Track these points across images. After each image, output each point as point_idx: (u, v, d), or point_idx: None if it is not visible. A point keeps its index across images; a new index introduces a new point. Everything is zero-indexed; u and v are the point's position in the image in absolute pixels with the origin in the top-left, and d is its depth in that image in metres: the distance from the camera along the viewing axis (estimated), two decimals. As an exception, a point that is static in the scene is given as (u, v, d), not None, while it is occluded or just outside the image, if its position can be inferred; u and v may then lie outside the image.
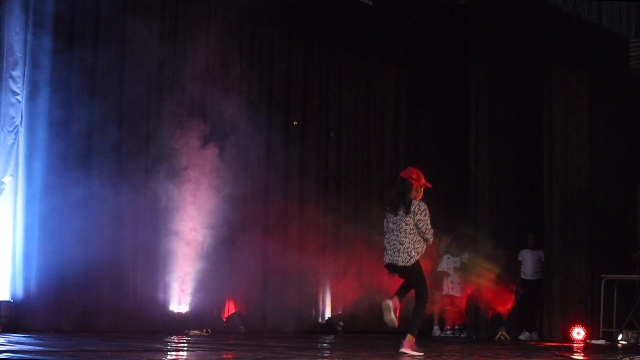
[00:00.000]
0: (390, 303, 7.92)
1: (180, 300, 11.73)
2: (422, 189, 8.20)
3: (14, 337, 8.95)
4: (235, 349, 8.57)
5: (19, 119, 10.48)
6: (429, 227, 8.04)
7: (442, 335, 13.35)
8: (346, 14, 13.63)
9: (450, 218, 12.19)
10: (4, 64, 10.40)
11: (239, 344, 9.50)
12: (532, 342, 12.08)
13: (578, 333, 12.04)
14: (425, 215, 8.01)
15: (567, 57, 12.74)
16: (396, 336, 8.30)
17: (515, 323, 12.83)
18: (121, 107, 11.40)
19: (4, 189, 10.33)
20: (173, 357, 7.21)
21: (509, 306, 12.85)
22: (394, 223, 8.09)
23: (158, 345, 8.58)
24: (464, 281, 13.26)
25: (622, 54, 12.88)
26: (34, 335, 9.26)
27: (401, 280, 8.21)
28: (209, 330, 11.54)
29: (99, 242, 10.79)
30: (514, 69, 13.33)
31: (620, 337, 11.40)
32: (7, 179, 10.37)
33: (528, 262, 13.01)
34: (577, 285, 12.42)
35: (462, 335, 13.22)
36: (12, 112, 10.44)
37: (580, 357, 8.99)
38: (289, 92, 13.42)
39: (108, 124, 11.16)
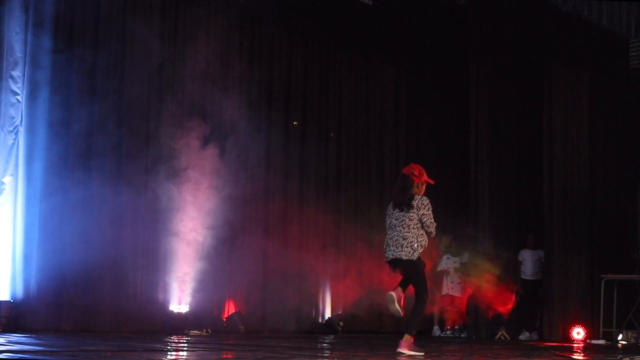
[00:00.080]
0: (394, 294, 7.94)
1: (180, 300, 11.73)
2: (424, 186, 8.22)
3: (14, 337, 8.96)
4: (235, 349, 8.57)
5: (19, 119, 10.49)
6: (433, 221, 8.08)
7: (442, 335, 13.36)
8: (346, 14, 13.63)
9: (450, 218, 12.17)
10: (4, 64, 10.40)
11: (239, 344, 9.50)
12: (532, 342, 12.08)
13: (578, 333, 12.04)
14: (428, 209, 8.05)
15: (567, 57, 12.74)
16: (396, 336, 8.30)
17: (515, 323, 12.82)
18: (121, 107, 11.40)
19: (4, 189, 10.34)
20: (173, 357, 7.21)
21: (510, 306, 12.85)
22: (396, 219, 8.10)
23: (158, 345, 8.58)
24: (464, 281, 13.26)
25: (622, 54, 12.88)
26: (34, 335, 9.26)
27: (401, 278, 8.21)
28: (209, 330, 11.54)
29: (99, 242, 10.79)
30: (514, 69, 13.33)
31: (620, 337, 11.40)
32: (7, 179, 10.37)
33: (528, 262, 13.01)
34: (577, 285, 12.42)
35: (462, 335, 13.22)
36: (12, 112, 10.44)
37: (580, 357, 8.99)
38: (289, 92, 13.42)
39: (108, 124, 11.16)
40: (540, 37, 12.83)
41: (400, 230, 8.04)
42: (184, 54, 12.07)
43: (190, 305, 11.77)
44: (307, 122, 13.59)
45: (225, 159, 12.21)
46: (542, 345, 11.13)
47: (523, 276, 13.01)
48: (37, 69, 10.59)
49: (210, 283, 11.97)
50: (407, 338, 7.97)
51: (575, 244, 12.48)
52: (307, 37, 13.64)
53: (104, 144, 11.08)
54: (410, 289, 8.11)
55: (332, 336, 12.16)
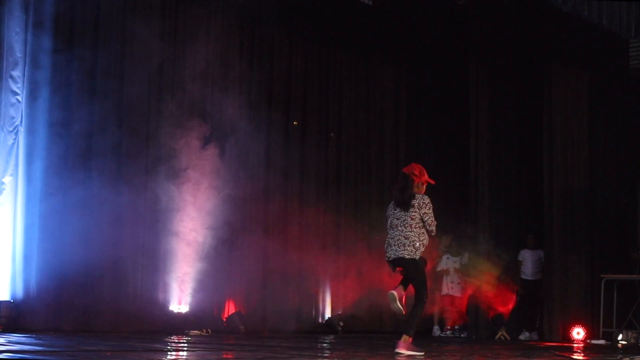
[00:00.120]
0: (395, 293, 7.93)
1: (180, 300, 11.73)
2: (424, 186, 8.22)
3: (14, 337, 8.96)
4: (235, 349, 8.57)
5: (19, 119, 10.49)
6: (434, 220, 8.09)
7: (442, 335, 13.36)
8: (346, 14, 13.63)
9: (450, 218, 12.18)
10: (4, 64, 10.41)
11: (239, 344, 9.50)
12: (532, 342, 12.08)
13: (578, 333, 12.04)
14: (429, 208, 8.06)
15: (567, 57, 12.74)
16: (396, 336, 8.29)
17: (515, 323, 12.82)
18: (121, 107, 11.40)
19: (4, 189, 10.34)
20: (173, 357, 7.21)
21: (510, 306, 12.84)
22: (397, 219, 8.10)
23: (158, 345, 8.58)
24: (464, 281, 13.26)
25: (622, 54, 12.88)
26: (34, 335, 9.26)
27: (401, 277, 8.21)
28: (209, 330, 11.54)
29: (99, 243, 10.79)
30: (514, 69, 13.33)
31: (620, 337, 11.40)
32: (7, 179, 10.38)
33: (528, 262, 13.01)
34: (577, 285, 12.42)
35: (462, 335, 13.22)
36: (12, 112, 10.45)
37: (580, 357, 8.98)
38: (289, 92, 13.42)
39: (108, 124, 11.16)
40: (540, 37, 12.83)
41: (402, 230, 8.04)
42: (184, 54, 12.07)
43: (190, 305, 11.77)
44: (307, 122, 13.59)
45: (225, 159, 12.21)
46: (542, 345, 11.13)
47: (523, 276, 13.02)
48: (37, 69, 10.59)
49: (210, 283, 11.97)
50: (405, 338, 7.96)
51: (575, 244, 12.48)
52: (307, 37, 13.64)
53: (104, 144, 11.09)
54: (411, 288, 8.11)
55: (332, 336, 12.16)
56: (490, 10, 13.08)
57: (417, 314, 8.02)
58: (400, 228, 8.06)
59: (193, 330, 11.30)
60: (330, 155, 13.84)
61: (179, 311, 11.69)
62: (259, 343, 9.68)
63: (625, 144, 12.85)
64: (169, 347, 8.42)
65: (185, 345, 8.92)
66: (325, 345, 9.94)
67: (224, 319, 12.17)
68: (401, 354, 7.86)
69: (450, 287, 13.43)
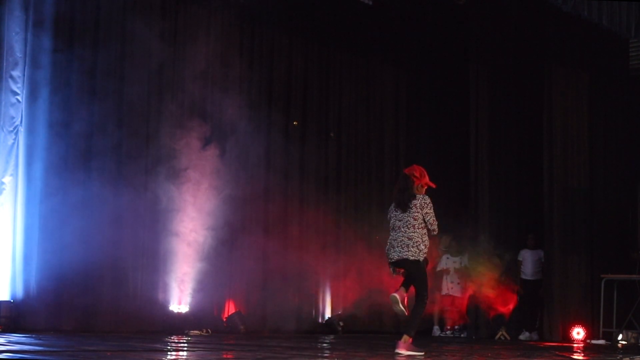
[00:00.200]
0: (397, 295, 7.94)
1: (180, 300, 11.73)
2: (424, 188, 8.22)
3: (14, 337, 8.95)
4: (235, 349, 8.57)
5: (19, 119, 10.48)
6: (435, 219, 8.10)
7: (442, 335, 13.35)
8: (346, 14, 13.62)
9: (450, 218, 12.19)
10: (4, 64, 10.40)
11: (239, 344, 9.50)
12: (532, 342, 12.08)
13: (578, 333, 12.04)
14: (431, 208, 8.08)
15: (567, 57, 12.74)
16: (396, 336, 8.30)
17: (515, 323, 12.83)
18: (121, 107, 11.40)
19: (4, 189, 10.33)
20: (173, 357, 7.21)
21: (511, 307, 12.83)
22: (399, 220, 8.10)
23: (158, 345, 8.58)
24: (464, 281, 13.26)
25: (622, 54, 12.88)
26: (34, 335, 9.26)
27: (402, 279, 8.22)
28: (209, 330, 11.54)
29: (99, 243, 10.79)
30: (514, 69, 13.33)
31: (620, 337, 11.40)
32: (7, 179, 10.37)
33: (528, 262, 13.02)
34: (577, 285, 12.43)
35: (462, 335, 13.22)
36: (12, 112, 10.44)
37: (580, 357, 8.99)
38: (289, 92, 13.41)
39: (108, 124, 11.16)
40: (540, 37, 12.83)
41: (405, 231, 8.04)
42: (184, 54, 12.07)
43: (190, 305, 11.77)
44: (307, 122, 13.59)
45: (225, 159, 12.21)
46: (542, 345, 11.13)
47: (523, 276, 13.02)
48: (37, 69, 10.59)
49: (210, 283, 11.97)
50: (405, 339, 7.96)
51: (575, 244, 12.48)
52: (307, 37, 13.64)
53: (104, 144, 11.08)
54: (412, 289, 8.12)
55: (332, 336, 12.15)
56: (490, 10, 13.08)
57: (418, 314, 8.03)
58: (403, 229, 8.06)
59: (193, 330, 11.30)
60: (330, 155, 13.83)
61: (179, 311, 11.68)
62: (259, 343, 9.67)
63: (625, 144, 12.85)
64: (169, 347, 8.42)
65: (185, 345, 8.92)
66: (325, 345, 9.94)
67: (224, 319, 12.17)
68: (401, 354, 7.86)
69: (450, 287, 13.43)
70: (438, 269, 13.45)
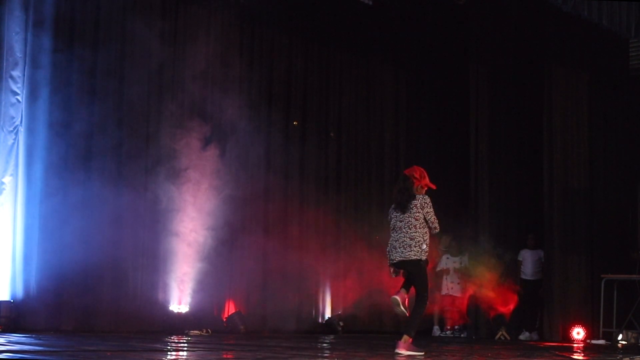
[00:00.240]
0: (398, 298, 7.95)
1: (180, 300, 11.73)
2: (424, 190, 8.22)
3: (14, 337, 8.95)
4: (235, 349, 8.57)
5: (19, 119, 10.48)
6: (436, 218, 8.13)
7: (442, 335, 13.35)
8: (346, 14, 13.62)
9: (450, 218, 12.20)
10: (4, 64, 10.40)
11: (239, 344, 9.50)
12: (532, 342, 12.08)
13: (578, 333, 12.04)
14: (431, 207, 8.11)
15: (567, 57, 12.74)
16: (396, 336, 8.30)
17: (515, 323, 12.82)
18: (121, 107, 11.40)
19: (4, 189, 10.33)
20: (173, 357, 7.21)
21: (512, 307, 12.82)
22: (400, 221, 8.10)
23: (158, 345, 8.58)
24: (464, 281, 13.25)
25: (622, 54, 12.88)
26: (34, 335, 9.26)
27: (403, 280, 8.23)
28: (209, 330, 11.54)
29: (99, 243, 10.79)
30: (514, 69, 13.33)
31: (620, 337, 11.40)
32: (7, 179, 10.37)
33: (528, 262, 13.02)
34: (577, 285, 12.43)
35: (462, 335, 13.22)
36: (12, 112, 10.44)
37: (580, 357, 8.99)
38: (289, 92, 13.41)
39: (108, 124, 11.16)
40: (540, 37, 12.83)
41: (407, 231, 8.05)
42: (184, 54, 12.07)
43: (190, 305, 11.77)
44: (307, 122, 13.59)
45: (225, 159, 12.21)
46: (542, 345, 11.13)
47: (523, 276, 13.02)
48: (37, 69, 10.59)
49: (210, 283, 11.97)
50: (405, 339, 7.96)
51: (575, 244, 12.48)
52: (307, 37, 13.64)
53: (104, 144, 11.08)
54: (413, 289, 8.12)
55: (332, 336, 12.15)
56: (490, 10, 13.08)
57: (419, 314, 8.04)
58: (404, 230, 8.07)
59: (193, 330, 11.30)
60: (330, 155, 13.83)
61: (179, 311, 11.68)
62: (259, 343, 9.68)
63: (625, 144, 12.85)
64: (169, 347, 8.42)
65: (185, 345, 8.92)
66: (325, 345, 9.94)
67: (224, 319, 12.17)
68: (401, 354, 7.86)
69: (450, 287, 13.43)
70: (438, 269, 13.45)
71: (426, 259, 8.15)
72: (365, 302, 13.06)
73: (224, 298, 12.36)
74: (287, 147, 13.14)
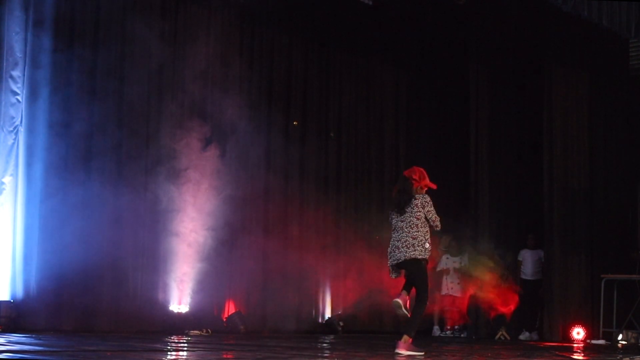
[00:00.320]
0: (399, 300, 7.97)
1: (180, 300, 11.72)
2: (424, 190, 8.23)
3: (14, 337, 8.95)
4: (235, 349, 8.57)
5: (19, 119, 10.48)
6: (437, 216, 8.15)
7: (442, 335, 13.35)
8: (346, 14, 13.62)
9: (450, 218, 12.20)
10: (4, 64, 10.39)
11: (239, 344, 9.50)
12: (532, 342, 12.08)
13: (578, 333, 12.04)
14: (432, 206, 8.14)
15: (567, 57, 12.74)
16: (396, 336, 8.30)
17: (515, 323, 12.83)
18: (121, 107, 11.39)
19: (4, 189, 10.33)
20: (173, 357, 7.21)
21: (512, 307, 12.82)
22: (402, 221, 8.11)
23: (158, 345, 8.58)
24: (464, 281, 13.25)
25: (622, 54, 12.88)
26: (34, 335, 9.26)
27: (403, 281, 8.23)
28: (209, 330, 11.54)
29: (99, 243, 10.79)
30: (514, 69, 13.33)
31: (620, 337, 11.40)
32: (7, 179, 10.37)
33: (528, 262, 13.02)
34: (577, 285, 12.43)
35: (462, 335, 13.22)
36: (12, 112, 10.44)
37: (580, 357, 8.99)
38: (289, 92, 13.41)
39: (108, 124, 11.15)
40: (540, 37, 12.83)
41: (409, 231, 8.06)
42: (184, 54, 12.06)
43: (190, 305, 11.77)
44: (307, 122, 13.59)
45: (225, 159, 12.20)
46: (542, 345, 11.13)
47: (523, 276, 13.02)
48: (37, 69, 10.58)
49: (210, 283, 11.96)
50: (405, 339, 7.97)
51: (575, 244, 12.49)
52: (307, 37, 13.64)
53: (104, 145, 11.08)
54: (414, 290, 8.13)
55: (332, 336, 12.16)
56: (490, 10, 13.06)
57: (418, 314, 8.04)
58: (406, 230, 8.07)
59: (193, 330, 11.30)
60: (330, 155, 13.83)
61: (179, 311, 11.68)
62: (259, 343, 9.68)
63: (625, 144, 12.85)
64: (169, 347, 8.42)
65: (185, 345, 8.92)
66: (325, 345, 9.94)
67: (224, 319, 12.17)
68: (401, 354, 7.86)
69: (450, 287, 13.42)
70: (438, 269, 13.45)
71: (426, 259, 8.16)
72: (365, 302, 13.05)
73: (224, 298, 12.36)
74: (287, 147, 13.13)
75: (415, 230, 8.05)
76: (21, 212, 10.44)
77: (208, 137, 12.01)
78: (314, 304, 13.43)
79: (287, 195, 13.11)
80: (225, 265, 12.21)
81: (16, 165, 10.44)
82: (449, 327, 13.46)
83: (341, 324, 13.14)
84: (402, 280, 8.27)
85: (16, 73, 10.47)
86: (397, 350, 7.92)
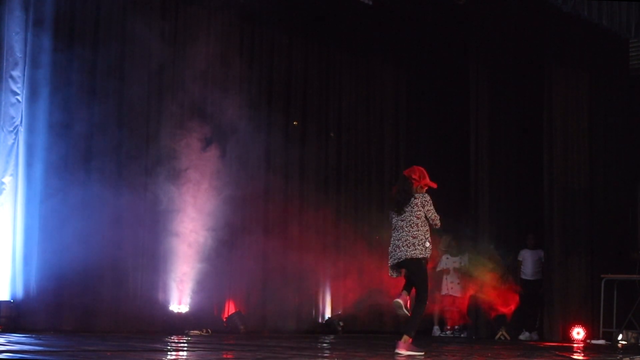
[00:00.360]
0: (400, 301, 7.97)
1: (180, 300, 11.73)
2: (424, 189, 8.23)
3: (14, 337, 8.95)
4: (235, 349, 8.57)
5: (19, 119, 10.48)
6: (436, 214, 8.15)
7: (442, 335, 13.35)
8: (346, 14, 13.62)
9: (450, 218, 12.19)
10: (4, 64, 10.39)
11: (239, 344, 9.50)
12: (532, 342, 12.08)
13: (578, 333, 12.04)
14: (431, 204, 8.14)
15: (567, 57, 12.74)
16: (396, 336, 8.30)
17: (515, 323, 12.82)
18: (121, 107, 11.39)
19: (4, 189, 10.33)
20: (173, 357, 7.21)
21: (513, 307, 12.82)
22: (402, 220, 8.12)
23: (158, 345, 8.58)
24: (464, 281, 13.25)
25: (622, 54, 12.89)
26: (34, 335, 9.26)
27: (403, 281, 8.23)
28: (209, 330, 11.54)
29: (99, 243, 10.79)
30: (514, 69, 13.33)
31: (620, 337, 11.40)
32: (7, 179, 10.37)
33: (528, 262, 13.02)
34: (577, 285, 12.43)
35: (462, 335, 13.22)
36: (12, 112, 10.44)
37: (580, 357, 8.99)
38: (289, 92, 13.41)
39: (108, 124, 11.16)
40: (540, 37, 12.83)
41: (409, 230, 8.06)
42: (184, 54, 12.07)
43: (190, 305, 11.77)
44: (307, 122, 13.59)
45: (225, 159, 12.21)
46: (542, 345, 11.13)
47: (523, 276, 13.02)
48: (37, 69, 10.59)
49: (210, 283, 11.97)
50: (405, 339, 7.97)
51: (575, 244, 12.48)
52: (307, 37, 13.64)
53: (104, 145, 11.08)
54: (414, 291, 8.13)
55: (332, 336, 12.16)
56: (490, 10, 13.06)
57: (418, 314, 8.05)
58: (407, 229, 8.08)
59: (193, 330, 11.30)
60: (330, 155, 13.83)
61: (179, 311, 11.68)
62: (259, 343, 9.68)
63: (625, 144, 12.85)
64: (169, 347, 8.42)
65: (185, 345, 8.92)
66: (325, 345, 9.94)
67: (224, 319, 12.17)
68: (401, 354, 7.86)
69: (450, 287, 13.43)
70: (438, 269, 13.45)
71: (426, 259, 8.16)
72: (365, 302, 13.05)
73: (224, 298, 12.36)
74: (287, 147, 13.13)
75: (416, 230, 8.05)
76: (21, 212, 10.44)
77: (208, 137, 12.01)
78: (314, 304, 13.43)
79: (287, 195, 13.12)
80: (225, 265, 12.21)
81: (16, 165, 10.44)
82: (449, 327, 13.46)
83: (341, 324, 13.14)
84: (402, 280, 8.27)
85: (16, 73, 10.47)
86: (397, 350, 7.92)
